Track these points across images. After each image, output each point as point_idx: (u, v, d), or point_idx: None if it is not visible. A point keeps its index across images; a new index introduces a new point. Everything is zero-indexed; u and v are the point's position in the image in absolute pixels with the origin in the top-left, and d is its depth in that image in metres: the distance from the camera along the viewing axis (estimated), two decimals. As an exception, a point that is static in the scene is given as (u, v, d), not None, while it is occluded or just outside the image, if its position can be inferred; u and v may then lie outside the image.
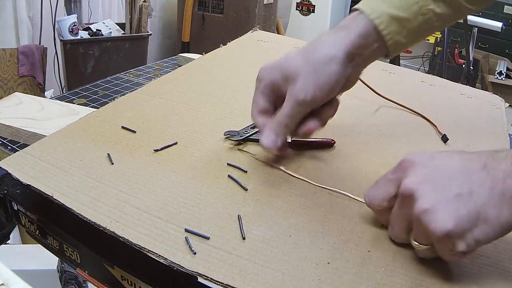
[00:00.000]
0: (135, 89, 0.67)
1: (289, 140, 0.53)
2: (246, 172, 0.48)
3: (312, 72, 0.44)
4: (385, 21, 0.44)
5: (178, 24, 2.78)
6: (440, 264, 0.37)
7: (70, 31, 1.93)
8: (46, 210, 0.45)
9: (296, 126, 0.47)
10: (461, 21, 2.37)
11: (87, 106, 1.02)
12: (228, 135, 0.55)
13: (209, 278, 0.35)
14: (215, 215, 0.42)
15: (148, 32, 2.14)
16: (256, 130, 0.56)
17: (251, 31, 0.96)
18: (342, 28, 0.46)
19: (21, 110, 0.85)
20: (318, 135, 0.56)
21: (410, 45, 0.47)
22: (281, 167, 0.49)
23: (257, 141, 0.54)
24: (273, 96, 0.47)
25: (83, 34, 2.01)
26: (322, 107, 0.47)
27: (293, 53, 0.46)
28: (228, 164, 0.50)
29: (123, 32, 2.14)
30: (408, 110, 0.65)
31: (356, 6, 0.46)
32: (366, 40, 0.44)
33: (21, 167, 0.46)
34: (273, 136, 0.46)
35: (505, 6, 3.08)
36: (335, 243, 0.39)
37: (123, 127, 0.55)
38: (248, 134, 0.55)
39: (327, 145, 0.54)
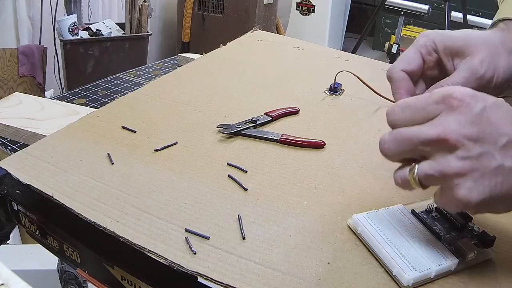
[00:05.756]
0: (135, 89, 0.67)
1: (278, 138, 0.54)
2: (246, 172, 0.48)
3: (494, 54, 0.43)
4: None
5: (178, 24, 2.78)
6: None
7: (70, 31, 1.93)
8: (46, 210, 0.45)
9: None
10: (461, 21, 2.37)
11: (87, 106, 1.02)
12: (221, 128, 0.55)
13: (209, 278, 0.35)
14: (215, 215, 0.42)
15: (148, 32, 2.14)
16: (250, 125, 0.56)
17: (251, 31, 0.96)
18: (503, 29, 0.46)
19: (21, 110, 0.85)
20: (318, 135, 0.56)
21: None
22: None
23: (248, 136, 0.55)
24: (427, 58, 0.44)
25: (83, 34, 2.01)
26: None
27: (467, 30, 0.45)
28: (228, 164, 0.50)
29: (123, 32, 2.13)
30: (408, 110, 0.65)
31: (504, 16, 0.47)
32: None
33: (21, 167, 0.46)
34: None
35: (505, 6, 3.07)
36: (335, 243, 0.39)
37: (123, 127, 0.55)
38: (240, 128, 0.55)
39: (317, 146, 0.54)
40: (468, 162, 0.32)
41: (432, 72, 0.45)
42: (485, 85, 0.43)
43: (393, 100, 0.67)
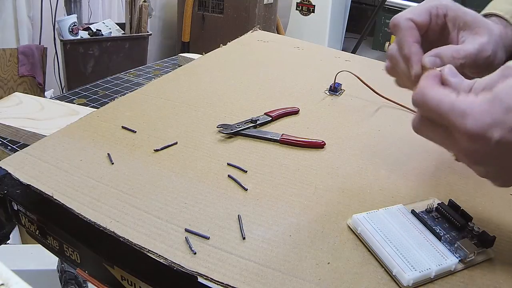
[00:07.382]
0: (135, 89, 0.67)
1: (278, 138, 0.54)
2: (246, 172, 0.48)
3: (496, 43, 0.43)
4: None
5: (178, 24, 2.78)
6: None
7: (70, 31, 1.93)
8: (46, 210, 0.45)
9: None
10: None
11: (87, 106, 1.02)
12: (221, 128, 0.55)
13: (209, 278, 0.35)
14: (215, 215, 0.42)
15: (148, 32, 2.14)
16: (250, 125, 0.56)
17: (251, 31, 0.96)
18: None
19: (21, 110, 0.85)
20: (318, 135, 0.56)
21: None
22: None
23: (248, 136, 0.55)
24: (434, 20, 0.44)
25: (83, 34, 2.01)
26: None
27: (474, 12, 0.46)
28: (228, 164, 0.50)
29: (123, 32, 2.14)
30: (408, 110, 0.65)
31: (486, 11, 0.47)
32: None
33: (21, 167, 0.46)
34: (439, 62, 0.41)
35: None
36: (335, 243, 0.39)
37: (123, 127, 0.55)
38: (240, 128, 0.55)
39: (317, 146, 0.54)
40: None
41: (432, 36, 0.44)
42: (484, 67, 0.43)
43: (393, 100, 0.67)
